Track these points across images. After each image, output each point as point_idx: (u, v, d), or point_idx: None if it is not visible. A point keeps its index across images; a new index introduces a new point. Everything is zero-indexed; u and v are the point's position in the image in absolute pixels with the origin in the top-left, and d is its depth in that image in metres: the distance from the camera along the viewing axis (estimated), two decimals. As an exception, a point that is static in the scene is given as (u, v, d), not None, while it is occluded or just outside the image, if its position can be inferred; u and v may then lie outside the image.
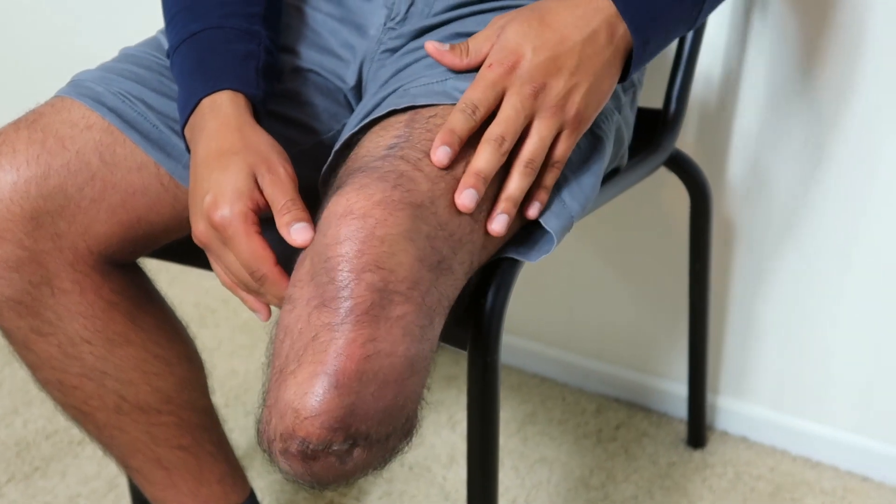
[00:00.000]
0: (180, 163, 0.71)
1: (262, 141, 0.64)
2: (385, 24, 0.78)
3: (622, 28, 0.63)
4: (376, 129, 0.65)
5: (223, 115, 0.65)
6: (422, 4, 0.78)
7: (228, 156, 0.62)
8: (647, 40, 0.65)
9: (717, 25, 1.04)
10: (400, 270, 0.54)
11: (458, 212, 0.59)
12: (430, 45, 0.65)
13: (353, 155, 0.64)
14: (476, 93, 0.61)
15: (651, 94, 0.99)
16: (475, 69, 0.64)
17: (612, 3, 0.63)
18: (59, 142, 0.68)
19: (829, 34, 0.98)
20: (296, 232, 0.58)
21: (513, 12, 0.65)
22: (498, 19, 0.65)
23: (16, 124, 0.69)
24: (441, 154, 0.59)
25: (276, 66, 0.74)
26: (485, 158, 0.60)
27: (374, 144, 0.62)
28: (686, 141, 1.09)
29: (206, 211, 0.61)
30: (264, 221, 0.62)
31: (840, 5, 0.96)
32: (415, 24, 0.77)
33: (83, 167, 0.68)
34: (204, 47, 0.70)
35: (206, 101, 0.66)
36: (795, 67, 1.01)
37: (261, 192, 0.61)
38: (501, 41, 0.62)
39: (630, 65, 0.65)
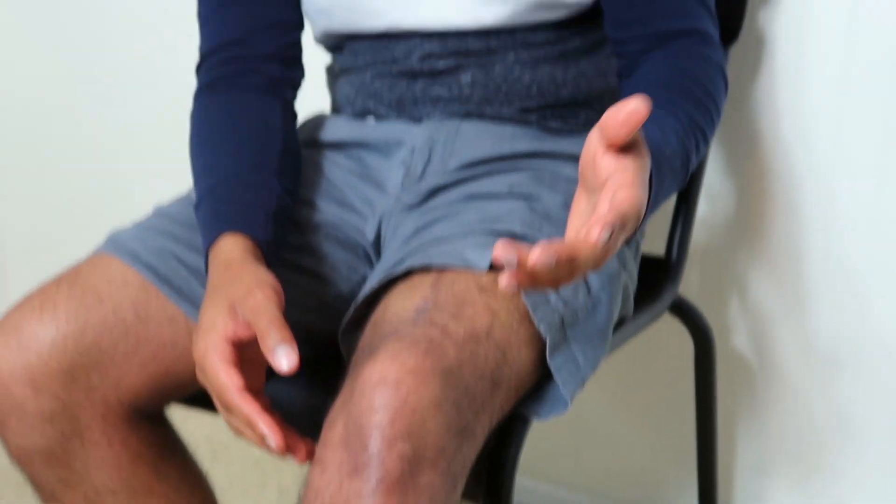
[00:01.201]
0: None
1: (248, 273, 0.66)
2: (403, 182, 0.83)
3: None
4: (402, 287, 0.68)
5: (220, 258, 0.69)
6: (437, 162, 0.82)
7: (211, 294, 0.66)
8: (647, 217, 0.66)
9: (715, 170, 1.09)
10: (429, 438, 0.56)
11: (481, 377, 0.61)
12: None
13: (380, 314, 0.66)
14: (607, 229, 0.52)
15: (650, 237, 1.04)
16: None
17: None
18: (97, 298, 0.72)
19: (823, 178, 1.04)
20: (281, 357, 0.59)
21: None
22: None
23: (57, 282, 0.73)
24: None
25: (290, 212, 0.78)
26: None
27: (402, 306, 0.65)
28: (687, 283, 1.12)
29: (193, 353, 0.64)
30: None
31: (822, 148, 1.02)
32: (431, 181, 0.81)
33: (118, 323, 0.72)
34: (217, 199, 0.75)
35: (212, 250, 0.71)
36: (790, 211, 1.06)
37: (240, 322, 0.63)
38: (643, 179, 0.56)
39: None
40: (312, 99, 0.96)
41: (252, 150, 0.78)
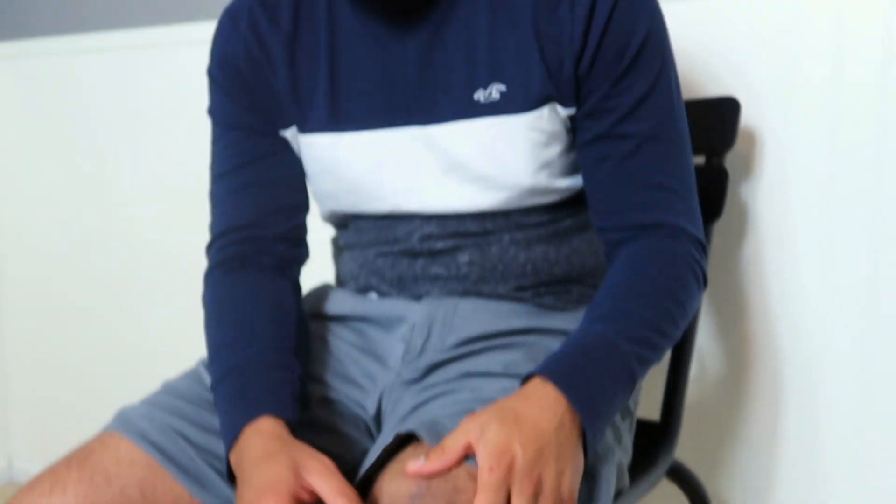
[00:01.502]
0: (213, 493, 0.77)
1: (303, 445, 0.71)
2: (403, 357, 0.86)
3: (575, 414, 0.70)
4: (398, 469, 0.70)
5: (265, 435, 0.73)
6: (436, 339, 0.86)
7: (273, 455, 0.69)
8: (596, 420, 0.71)
9: (705, 335, 1.12)
10: None
11: None
12: (411, 469, 0.66)
13: (376, 496, 0.69)
14: (489, 498, 0.63)
15: (644, 400, 1.06)
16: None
17: (561, 395, 0.69)
18: (105, 479, 0.74)
19: (805, 348, 1.07)
20: None
21: (483, 412, 0.68)
22: (471, 419, 0.67)
23: (67, 462, 0.76)
24: None
25: (307, 392, 0.82)
26: None
27: (397, 490, 0.67)
28: (682, 443, 1.14)
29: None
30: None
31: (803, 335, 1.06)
32: (430, 357, 0.84)
33: (125, 503, 0.74)
34: (243, 380, 0.78)
35: (248, 429, 0.74)
36: (772, 379, 1.09)
37: (303, 485, 0.67)
38: (490, 443, 0.65)
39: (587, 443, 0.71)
40: (316, 270, 1.01)
41: (270, 329, 0.82)
